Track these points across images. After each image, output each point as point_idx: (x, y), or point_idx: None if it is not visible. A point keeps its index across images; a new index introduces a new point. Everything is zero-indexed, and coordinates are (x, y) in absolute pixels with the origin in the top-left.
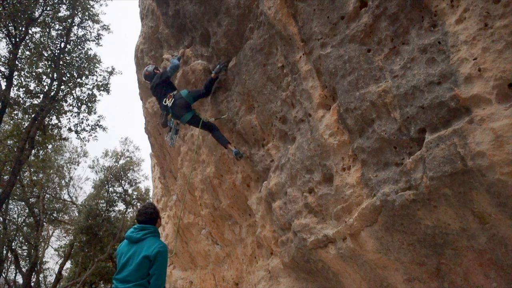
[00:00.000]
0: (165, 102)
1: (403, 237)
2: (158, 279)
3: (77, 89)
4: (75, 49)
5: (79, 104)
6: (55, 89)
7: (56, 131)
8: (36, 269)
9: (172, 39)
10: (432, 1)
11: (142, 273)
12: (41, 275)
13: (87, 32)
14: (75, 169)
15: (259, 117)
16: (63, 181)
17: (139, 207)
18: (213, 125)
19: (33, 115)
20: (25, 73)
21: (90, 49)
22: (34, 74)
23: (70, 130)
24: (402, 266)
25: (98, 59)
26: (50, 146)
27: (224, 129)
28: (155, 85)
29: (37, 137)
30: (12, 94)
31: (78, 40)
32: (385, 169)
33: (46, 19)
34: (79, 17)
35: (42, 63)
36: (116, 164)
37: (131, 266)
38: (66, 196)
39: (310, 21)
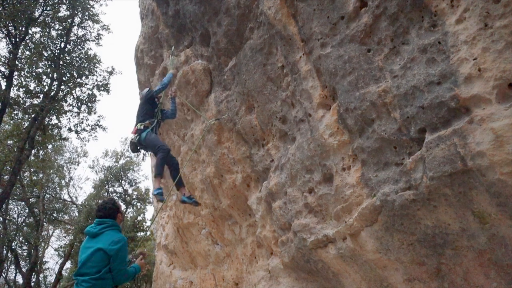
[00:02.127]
0: (133, 138)
1: (403, 237)
2: (119, 274)
3: (77, 89)
4: (75, 49)
5: (79, 104)
6: (55, 89)
7: (56, 131)
8: (36, 269)
9: (172, 39)
10: (432, 1)
11: (99, 266)
12: (41, 275)
13: (87, 32)
14: (75, 169)
15: (259, 117)
16: (63, 181)
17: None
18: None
19: (33, 115)
20: (25, 73)
21: (90, 49)
22: (34, 74)
23: (70, 130)
24: (402, 266)
25: (98, 59)
26: (50, 146)
27: (224, 129)
28: (140, 106)
29: (37, 137)
30: (12, 94)
31: (78, 40)
32: (385, 169)
33: (46, 19)
34: (79, 17)
35: (42, 63)
36: (116, 164)
37: (89, 261)
38: (66, 196)
39: (310, 21)
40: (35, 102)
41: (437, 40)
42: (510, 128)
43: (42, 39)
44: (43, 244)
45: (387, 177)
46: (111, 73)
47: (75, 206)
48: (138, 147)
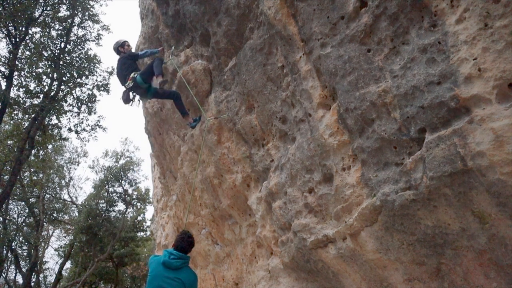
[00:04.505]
0: (127, 85)
1: (403, 237)
2: None
3: (77, 89)
4: (75, 49)
5: (79, 104)
6: (55, 89)
7: (56, 131)
8: (36, 269)
9: (172, 39)
10: (432, 1)
11: None
12: (41, 275)
13: (87, 32)
14: (75, 169)
15: (259, 117)
16: (63, 181)
17: (181, 234)
18: (175, 93)
19: (33, 115)
20: (25, 73)
21: (90, 49)
22: (34, 74)
23: (70, 130)
24: (402, 266)
25: (98, 59)
26: (50, 146)
27: (224, 129)
28: (121, 63)
29: (37, 137)
30: (12, 94)
31: (78, 40)
32: (385, 169)
33: (46, 19)
34: (79, 17)
35: (42, 63)
36: (116, 164)
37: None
38: (66, 196)
39: (310, 21)
40: (35, 102)
41: (437, 40)
42: (510, 128)
43: (42, 39)
44: (43, 244)
45: (387, 177)
46: (111, 73)
47: (75, 206)
48: (132, 93)
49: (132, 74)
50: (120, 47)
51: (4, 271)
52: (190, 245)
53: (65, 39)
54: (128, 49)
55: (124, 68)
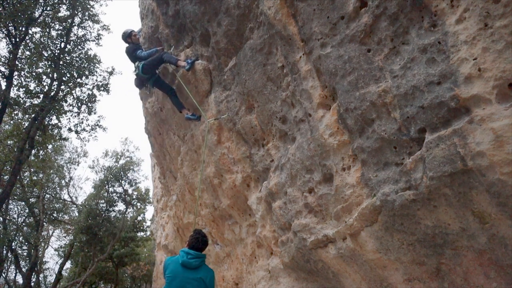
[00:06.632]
0: (134, 72)
1: (403, 237)
2: None
3: (77, 89)
4: (75, 49)
5: (79, 104)
6: (55, 89)
7: (56, 131)
8: (36, 269)
9: (172, 39)
10: (432, 1)
11: None
12: (41, 275)
13: (87, 32)
14: (75, 169)
15: (259, 117)
16: (63, 181)
17: (195, 233)
18: (172, 89)
19: (33, 115)
20: (25, 73)
21: (90, 49)
22: (34, 74)
23: (70, 130)
24: (402, 266)
25: (98, 59)
26: (50, 146)
27: (224, 129)
28: (129, 53)
29: (37, 137)
30: (12, 94)
31: (78, 40)
32: (385, 169)
33: (46, 19)
34: (79, 17)
35: (42, 63)
36: (116, 164)
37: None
38: (66, 196)
39: (310, 21)
40: (35, 102)
41: (437, 40)
42: (510, 128)
43: (42, 39)
44: (43, 244)
45: (387, 177)
46: (111, 73)
47: (75, 206)
48: (141, 80)
49: (136, 63)
50: (128, 38)
51: (4, 271)
52: (205, 244)
53: (65, 39)
54: (135, 39)
55: (131, 57)
